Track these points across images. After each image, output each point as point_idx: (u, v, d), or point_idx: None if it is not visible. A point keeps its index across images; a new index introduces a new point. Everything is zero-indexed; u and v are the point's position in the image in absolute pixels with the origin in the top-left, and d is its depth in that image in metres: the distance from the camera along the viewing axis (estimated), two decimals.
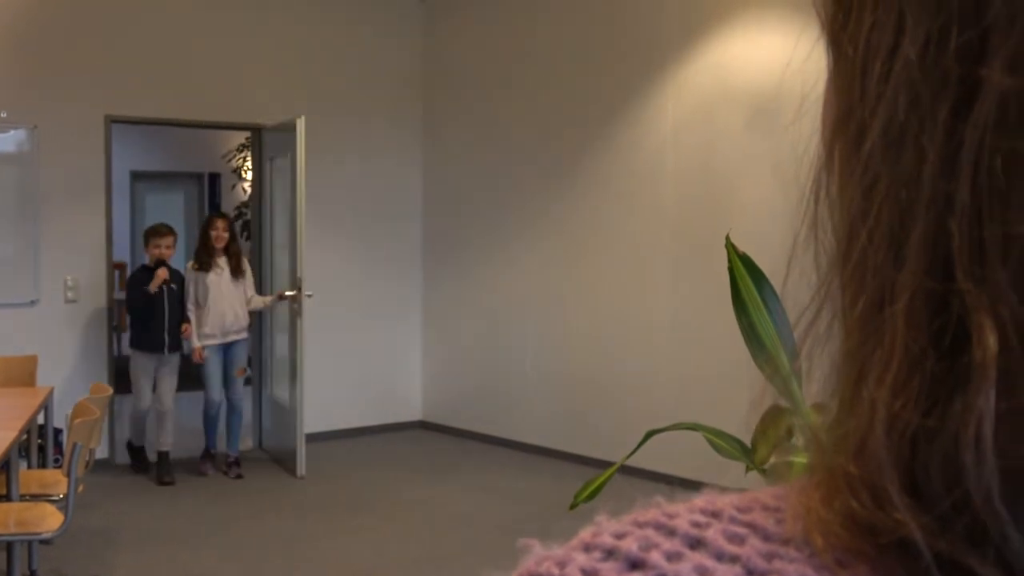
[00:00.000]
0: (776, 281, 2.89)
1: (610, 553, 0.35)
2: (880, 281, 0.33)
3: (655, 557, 0.34)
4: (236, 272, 7.41)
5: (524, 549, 0.37)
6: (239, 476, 7.37)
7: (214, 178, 11.15)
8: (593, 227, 7.74)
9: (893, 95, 0.32)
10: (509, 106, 8.36)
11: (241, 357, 7.55)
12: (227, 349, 7.46)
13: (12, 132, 7.33)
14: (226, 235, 7.39)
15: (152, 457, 7.39)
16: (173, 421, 7.26)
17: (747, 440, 2.83)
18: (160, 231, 7.19)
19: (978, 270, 0.30)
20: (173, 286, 7.10)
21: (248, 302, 7.54)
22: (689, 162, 7.07)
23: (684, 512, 0.36)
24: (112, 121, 7.64)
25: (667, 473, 6.20)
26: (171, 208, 10.52)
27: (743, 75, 6.70)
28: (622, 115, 7.52)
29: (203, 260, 7.34)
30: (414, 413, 9.14)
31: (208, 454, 7.54)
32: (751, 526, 0.35)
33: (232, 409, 7.50)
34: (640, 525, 0.36)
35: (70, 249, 7.50)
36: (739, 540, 0.34)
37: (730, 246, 2.98)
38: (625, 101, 7.49)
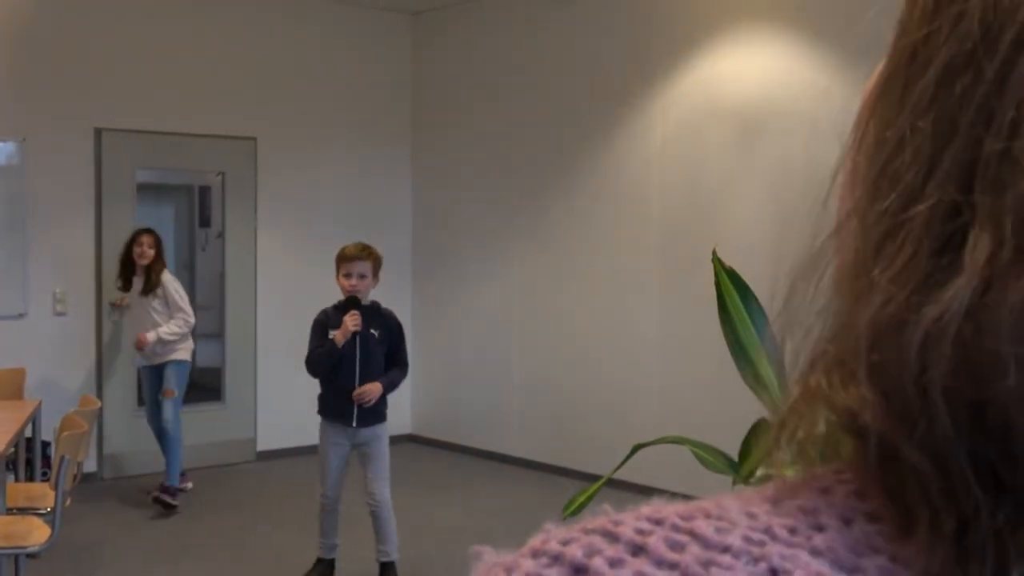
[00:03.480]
0: (761, 294, 2.91)
1: (556, 559, 0.36)
2: (906, 190, 0.37)
3: (598, 563, 0.35)
4: (145, 289, 6.90)
5: (475, 556, 0.38)
6: (169, 505, 6.67)
7: (204, 191, 11.15)
8: (582, 241, 7.76)
9: (966, 29, 0.36)
10: (498, 121, 8.39)
11: (168, 379, 6.90)
12: (158, 371, 6.94)
13: (1, 145, 7.33)
14: (152, 251, 6.89)
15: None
16: (393, 522, 5.32)
17: (734, 453, 2.85)
18: (349, 254, 5.23)
19: (998, 181, 0.34)
20: (373, 331, 5.19)
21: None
22: (677, 177, 7.11)
23: (630, 520, 0.37)
24: (102, 132, 7.65)
25: (654, 486, 6.21)
26: (162, 220, 10.52)
27: (731, 91, 6.74)
28: (610, 130, 7.56)
29: (125, 279, 7.03)
30: (403, 426, 9.13)
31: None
32: (692, 533, 0.36)
33: (162, 436, 6.87)
34: (586, 532, 0.37)
35: (59, 261, 7.49)
36: (679, 547, 0.36)
37: (716, 261, 3.00)
38: (613, 116, 7.52)
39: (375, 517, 5.26)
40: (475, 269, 8.63)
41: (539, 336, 8.09)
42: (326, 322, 5.24)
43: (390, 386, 5.23)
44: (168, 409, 6.87)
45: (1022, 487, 0.33)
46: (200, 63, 8.05)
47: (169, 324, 6.87)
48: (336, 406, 5.18)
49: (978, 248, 0.34)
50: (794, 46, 6.39)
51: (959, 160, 0.35)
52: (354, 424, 5.15)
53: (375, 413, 5.20)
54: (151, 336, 6.85)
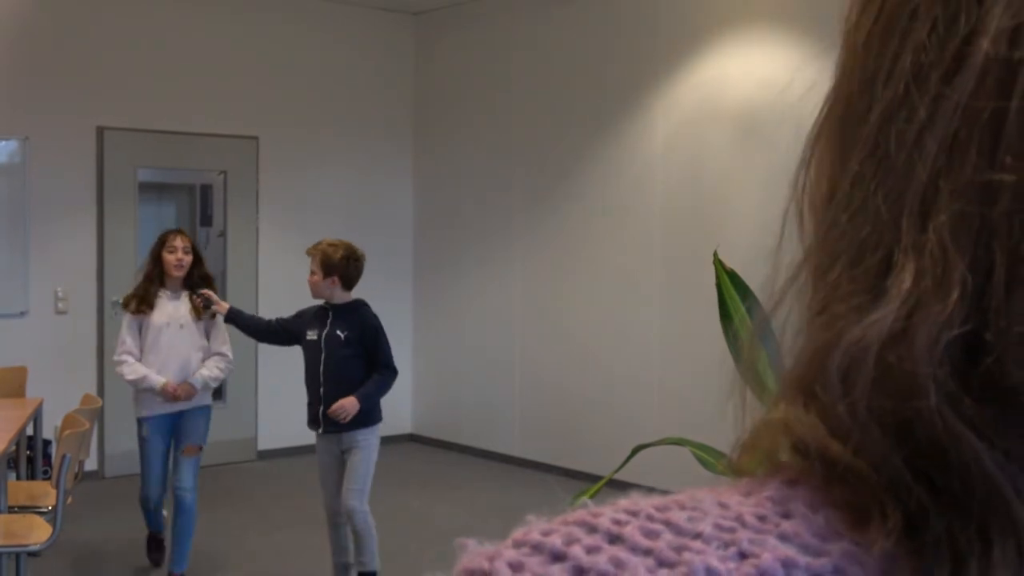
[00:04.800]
0: (762, 296, 2.90)
1: (536, 548, 0.38)
2: (844, 229, 0.39)
3: (576, 550, 0.37)
4: (200, 311, 5.30)
5: (460, 548, 0.39)
6: None
7: (206, 190, 11.16)
8: (583, 242, 7.77)
9: (900, 70, 0.38)
10: (500, 122, 8.39)
11: (192, 431, 5.32)
12: (176, 422, 5.29)
13: (3, 143, 7.34)
14: (188, 258, 5.28)
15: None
16: (371, 533, 5.08)
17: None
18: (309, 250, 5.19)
19: (922, 213, 0.36)
20: (339, 332, 4.95)
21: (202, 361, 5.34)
22: (678, 178, 7.11)
23: (608, 511, 0.39)
24: (104, 131, 7.66)
25: (655, 487, 6.21)
26: (163, 219, 10.53)
27: (732, 92, 6.74)
28: (612, 132, 7.56)
29: (145, 297, 5.25)
30: (404, 426, 9.14)
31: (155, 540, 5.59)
32: (666, 523, 0.38)
33: (179, 507, 5.27)
34: (566, 523, 0.39)
35: (61, 260, 7.50)
36: (654, 535, 0.37)
37: (718, 262, 3.00)
38: (615, 118, 7.53)
39: (351, 529, 5.02)
40: (476, 269, 8.64)
41: (540, 336, 8.09)
42: (304, 316, 5.10)
43: (368, 397, 4.93)
44: (190, 473, 5.31)
45: (959, 492, 0.35)
46: (202, 62, 8.06)
47: (210, 365, 5.35)
48: (309, 413, 4.99)
49: (901, 277, 0.36)
50: (796, 47, 6.39)
51: (891, 196, 0.37)
52: (320, 430, 4.95)
53: (336, 423, 4.89)
54: (198, 383, 5.30)
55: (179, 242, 5.28)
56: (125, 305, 5.36)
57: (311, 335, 4.98)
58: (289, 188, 8.51)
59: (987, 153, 0.35)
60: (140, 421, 5.36)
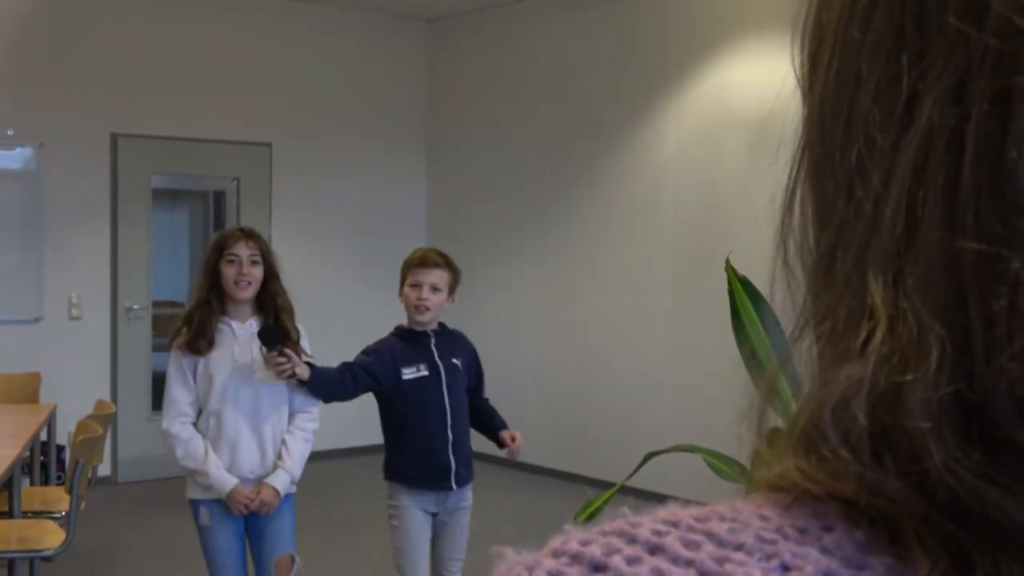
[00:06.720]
0: (774, 302, 2.90)
1: (575, 558, 0.37)
2: (832, 294, 0.39)
3: (616, 561, 0.37)
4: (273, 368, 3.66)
5: (497, 556, 0.39)
6: None
7: (219, 196, 11.19)
8: (594, 248, 7.76)
9: (855, 137, 0.38)
10: (511, 128, 8.40)
11: (282, 533, 3.96)
12: (252, 516, 3.88)
13: (18, 150, 7.38)
14: (258, 271, 3.74)
15: None
16: None
17: (746, 461, 2.85)
18: (422, 259, 3.87)
19: (890, 274, 0.36)
20: (456, 361, 4.00)
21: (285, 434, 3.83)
22: (690, 184, 7.11)
23: (647, 522, 0.39)
24: (118, 138, 7.69)
25: (667, 494, 6.20)
26: (176, 227, 10.57)
27: (744, 98, 6.73)
28: (624, 137, 7.56)
29: (203, 331, 3.64)
30: None
31: None
32: (707, 534, 0.38)
33: None
34: (605, 533, 0.39)
35: (75, 266, 7.53)
36: (695, 546, 0.37)
37: (730, 269, 3.00)
38: (627, 123, 7.53)
39: None
40: (489, 275, 8.64)
41: (552, 342, 8.09)
42: (389, 352, 3.92)
43: None
44: None
45: (990, 536, 0.35)
46: (215, 69, 8.09)
47: (295, 445, 3.88)
48: (427, 467, 3.86)
49: (878, 339, 0.36)
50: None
51: (859, 262, 0.38)
52: (452, 485, 3.88)
53: (470, 466, 4.01)
54: (284, 483, 3.84)
55: (243, 248, 3.67)
56: (172, 337, 3.71)
57: (413, 372, 3.90)
58: (302, 194, 8.53)
59: (944, 217, 0.35)
60: (195, 504, 3.84)
